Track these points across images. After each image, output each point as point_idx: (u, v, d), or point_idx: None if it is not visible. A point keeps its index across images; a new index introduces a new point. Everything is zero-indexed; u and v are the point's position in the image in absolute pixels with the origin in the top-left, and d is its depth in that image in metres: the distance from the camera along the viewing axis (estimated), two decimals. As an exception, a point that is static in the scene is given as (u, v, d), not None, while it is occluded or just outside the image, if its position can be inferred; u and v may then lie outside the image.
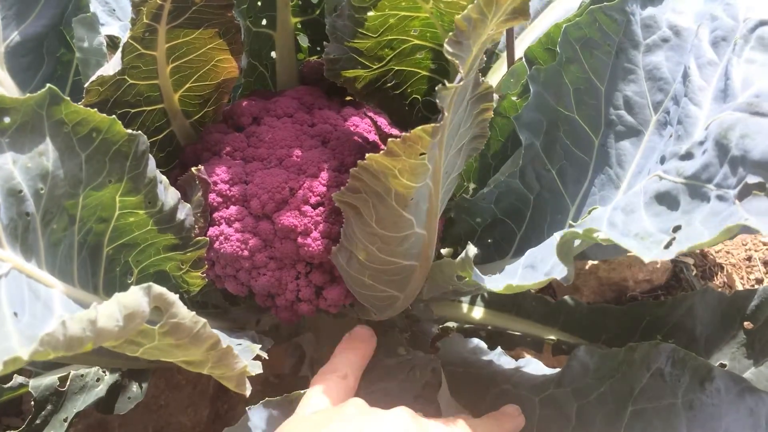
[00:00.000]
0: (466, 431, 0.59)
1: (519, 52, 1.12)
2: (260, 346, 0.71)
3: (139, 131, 0.65)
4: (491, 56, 1.19)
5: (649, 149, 0.70)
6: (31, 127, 0.56)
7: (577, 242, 0.61)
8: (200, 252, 0.73)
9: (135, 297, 0.47)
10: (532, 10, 1.15)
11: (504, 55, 1.13)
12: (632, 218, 0.58)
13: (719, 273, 1.34)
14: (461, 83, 0.56)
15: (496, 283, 0.66)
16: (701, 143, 0.58)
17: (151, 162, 0.67)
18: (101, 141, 0.61)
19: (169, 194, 0.71)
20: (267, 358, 0.71)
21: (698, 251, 1.35)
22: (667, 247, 0.52)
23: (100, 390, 0.99)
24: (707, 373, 0.70)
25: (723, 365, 0.84)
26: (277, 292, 0.81)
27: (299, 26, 1.00)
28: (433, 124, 0.54)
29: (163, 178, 0.71)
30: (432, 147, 0.58)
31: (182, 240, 0.73)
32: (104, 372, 1.01)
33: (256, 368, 0.64)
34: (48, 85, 0.55)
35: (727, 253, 1.37)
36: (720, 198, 0.53)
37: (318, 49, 1.03)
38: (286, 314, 0.83)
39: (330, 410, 0.61)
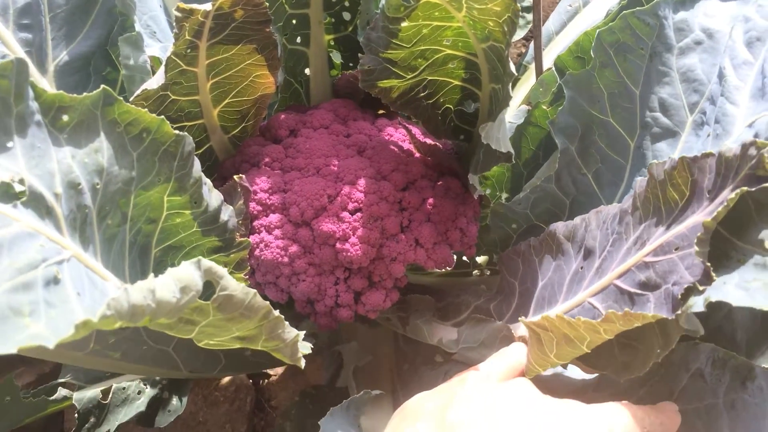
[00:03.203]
0: (621, 411, 0.57)
1: (547, 62, 1.13)
2: (304, 332, 0.71)
3: (186, 132, 0.67)
4: (519, 67, 1.21)
5: (686, 149, 0.71)
6: (87, 125, 0.57)
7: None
8: (243, 253, 0.74)
9: (187, 270, 0.49)
10: (557, 23, 1.17)
11: (532, 66, 1.15)
12: None
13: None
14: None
15: None
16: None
17: (197, 163, 0.69)
18: (151, 141, 0.63)
19: (213, 196, 0.72)
20: (312, 347, 0.71)
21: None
22: None
23: (141, 403, 1.01)
24: (748, 372, 0.69)
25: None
26: (317, 298, 0.82)
27: (332, 43, 1.03)
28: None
29: (207, 180, 0.72)
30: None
31: (225, 242, 0.74)
32: (145, 385, 1.02)
33: (306, 348, 0.65)
34: (102, 85, 0.58)
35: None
36: None
37: (350, 65, 1.06)
38: (325, 320, 0.84)
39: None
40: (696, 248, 0.53)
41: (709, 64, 0.72)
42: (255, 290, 0.53)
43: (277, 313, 0.57)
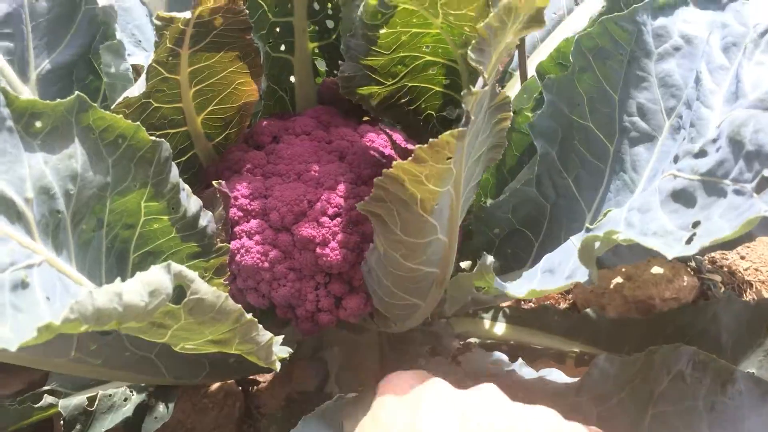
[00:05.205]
0: None
1: (531, 70, 1.14)
2: (283, 336, 0.72)
3: (162, 138, 0.67)
4: (505, 74, 1.21)
5: (663, 153, 0.71)
6: (61, 132, 0.58)
7: (597, 244, 0.61)
8: (223, 259, 0.75)
9: (157, 274, 0.49)
10: (542, 30, 1.17)
11: (517, 74, 1.15)
12: (649, 217, 0.58)
13: (748, 290, 1.32)
14: (485, 88, 0.57)
15: (518, 288, 0.66)
16: (714, 141, 0.59)
17: (174, 169, 0.69)
18: (127, 147, 0.64)
19: (191, 201, 0.72)
20: (293, 354, 0.71)
21: (726, 269, 1.34)
22: (688, 242, 0.52)
23: (128, 410, 1.00)
24: (729, 375, 0.69)
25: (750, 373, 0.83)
26: (297, 303, 0.82)
27: (316, 51, 1.04)
28: (459, 129, 0.55)
29: (186, 186, 0.72)
30: (457, 151, 0.59)
31: (204, 248, 0.74)
32: (131, 392, 1.02)
33: (283, 352, 0.65)
34: (76, 92, 0.58)
35: (756, 270, 1.35)
36: (737, 192, 0.53)
37: (335, 72, 1.06)
38: (306, 325, 0.84)
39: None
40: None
41: (687, 69, 0.72)
42: (226, 294, 0.54)
43: (249, 316, 0.57)
